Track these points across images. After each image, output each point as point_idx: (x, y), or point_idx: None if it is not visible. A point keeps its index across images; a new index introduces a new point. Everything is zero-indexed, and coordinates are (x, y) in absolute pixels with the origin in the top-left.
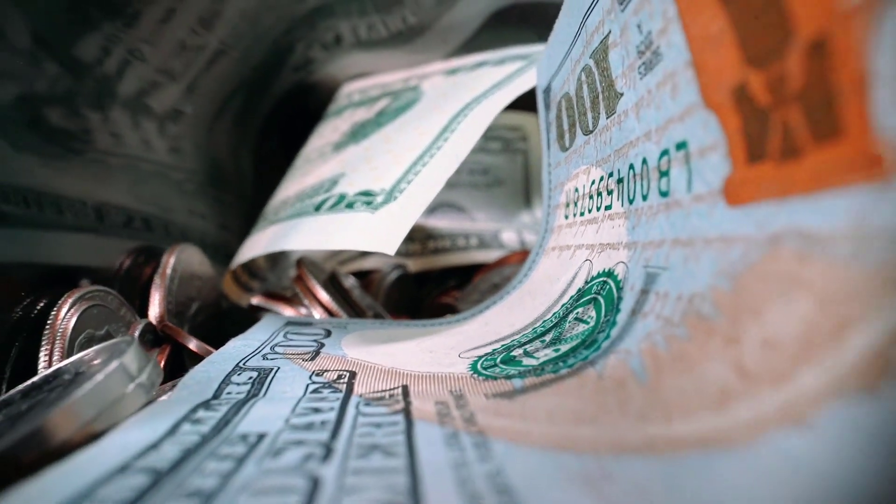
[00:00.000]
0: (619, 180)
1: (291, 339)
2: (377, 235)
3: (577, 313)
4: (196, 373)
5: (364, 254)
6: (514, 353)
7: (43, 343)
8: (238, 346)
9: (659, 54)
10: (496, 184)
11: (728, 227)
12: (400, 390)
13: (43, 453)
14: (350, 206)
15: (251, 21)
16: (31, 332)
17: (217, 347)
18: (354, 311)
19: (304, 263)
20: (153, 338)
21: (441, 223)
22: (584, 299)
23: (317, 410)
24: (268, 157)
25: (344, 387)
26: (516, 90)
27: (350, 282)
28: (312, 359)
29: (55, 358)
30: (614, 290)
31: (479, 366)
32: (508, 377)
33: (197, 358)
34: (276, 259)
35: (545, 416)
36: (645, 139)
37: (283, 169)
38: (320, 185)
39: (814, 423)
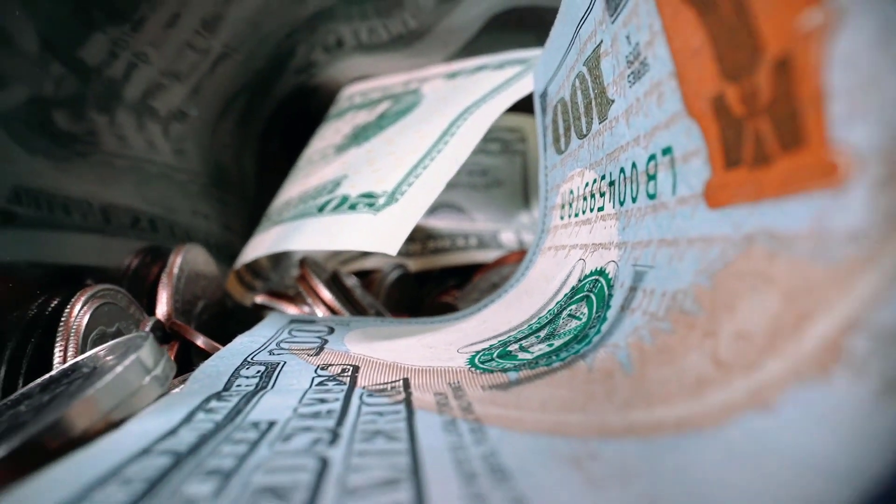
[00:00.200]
0: (611, 183)
1: (296, 336)
2: (379, 236)
3: (570, 310)
4: (206, 367)
5: (365, 254)
6: (510, 349)
7: (58, 339)
8: (245, 343)
9: (646, 65)
10: (495, 185)
11: (708, 228)
12: (401, 382)
13: (66, 441)
14: (353, 207)
15: (253, 24)
16: (46, 328)
17: (223, 344)
18: (356, 309)
19: (307, 263)
20: (161, 335)
21: (441, 223)
22: (578, 297)
23: (323, 401)
24: (270, 159)
25: (348, 379)
26: (515, 95)
27: (352, 281)
28: (317, 354)
29: (70, 353)
30: (605, 288)
31: (476, 360)
32: (504, 370)
33: (204, 354)
34: (278, 259)
35: (538, 405)
36: (634, 144)
37: (285, 170)
38: (323, 186)
39: (777, 407)
